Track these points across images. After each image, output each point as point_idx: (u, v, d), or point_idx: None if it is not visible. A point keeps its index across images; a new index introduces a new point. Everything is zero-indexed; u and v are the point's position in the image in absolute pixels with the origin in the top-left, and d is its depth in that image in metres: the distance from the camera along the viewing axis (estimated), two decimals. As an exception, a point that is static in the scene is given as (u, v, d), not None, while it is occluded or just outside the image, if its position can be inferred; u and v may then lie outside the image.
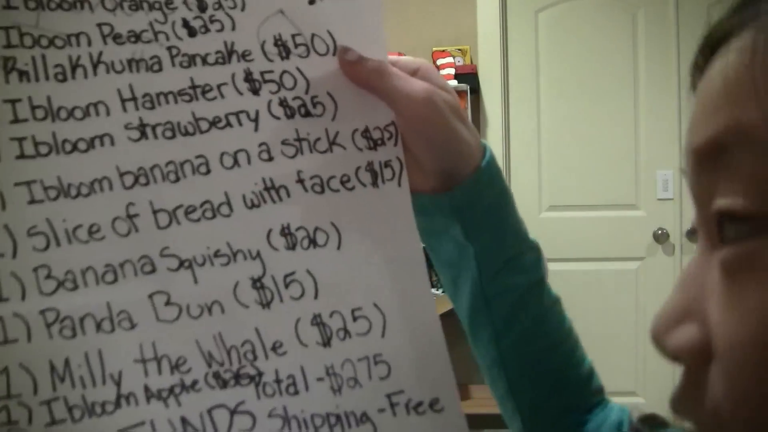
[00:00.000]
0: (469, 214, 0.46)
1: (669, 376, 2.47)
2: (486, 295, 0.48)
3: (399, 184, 0.43)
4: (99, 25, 0.41)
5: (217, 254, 0.41)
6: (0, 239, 0.39)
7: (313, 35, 0.43)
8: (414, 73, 0.45)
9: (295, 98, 0.43)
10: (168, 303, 0.40)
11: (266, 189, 0.42)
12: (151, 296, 0.40)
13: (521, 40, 2.53)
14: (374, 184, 0.43)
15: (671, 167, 2.50)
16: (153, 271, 0.40)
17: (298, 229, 0.42)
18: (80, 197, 0.40)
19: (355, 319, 0.42)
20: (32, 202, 0.40)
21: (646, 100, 2.50)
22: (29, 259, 0.39)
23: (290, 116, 0.43)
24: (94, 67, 0.41)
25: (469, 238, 0.47)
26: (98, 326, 0.40)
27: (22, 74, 0.40)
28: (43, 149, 0.40)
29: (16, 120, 0.40)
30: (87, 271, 0.40)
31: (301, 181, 0.42)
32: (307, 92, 0.43)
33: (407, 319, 0.43)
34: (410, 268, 0.43)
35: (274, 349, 0.41)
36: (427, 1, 2.54)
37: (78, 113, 0.40)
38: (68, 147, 0.40)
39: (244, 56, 0.42)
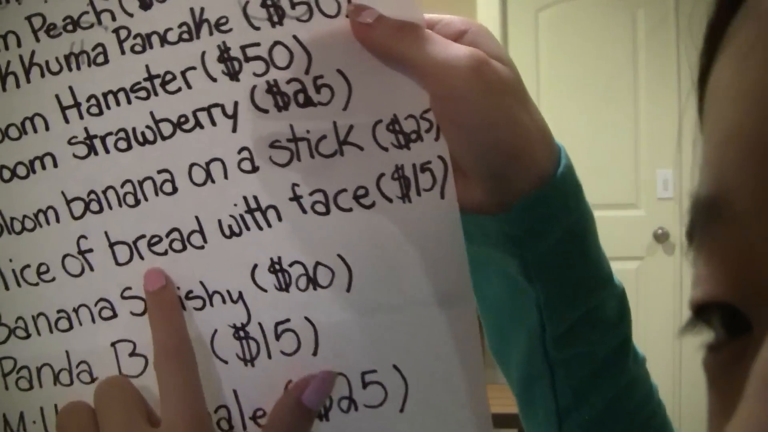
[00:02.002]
0: (533, 246, 0.32)
1: (668, 374, 2.45)
2: (550, 359, 0.35)
3: (442, 195, 0.31)
4: (28, 18, 0.33)
5: (189, 296, 0.33)
6: None
7: None
8: (459, 36, 0.32)
9: (290, 81, 0.31)
10: (133, 353, 0.34)
11: (249, 211, 0.32)
12: (113, 345, 0.34)
13: (521, 39, 2.51)
14: (405, 197, 0.31)
15: (671, 167, 2.48)
16: (114, 316, 0.34)
17: (292, 264, 0.32)
18: (25, 232, 0.34)
19: (365, 385, 0.32)
20: None
21: (646, 100, 2.47)
22: None
23: (283, 107, 0.31)
24: (26, 72, 0.34)
25: (532, 280, 0.33)
26: (56, 378, 0.34)
27: None
28: None
29: None
30: (38, 317, 0.34)
31: (297, 198, 0.32)
32: (308, 71, 0.31)
33: (440, 389, 0.32)
34: (453, 318, 0.32)
35: (254, 418, 0.33)
36: (428, 1, 2.53)
37: (13, 132, 0.34)
38: (6, 174, 0.34)
39: (218, 26, 0.32)
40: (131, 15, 0.33)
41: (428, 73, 0.30)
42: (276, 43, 0.31)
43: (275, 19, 0.31)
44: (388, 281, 0.32)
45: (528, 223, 0.32)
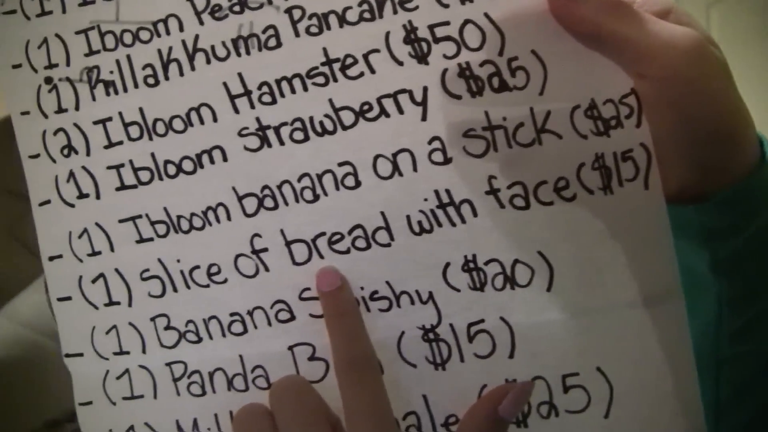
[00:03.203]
0: (730, 238, 0.31)
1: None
2: (719, 355, 0.34)
3: (646, 186, 0.29)
4: (191, 0, 0.31)
5: (374, 296, 0.31)
6: (114, 286, 0.33)
7: None
8: (664, 15, 0.30)
9: (483, 63, 0.29)
10: (313, 357, 0.32)
11: (441, 206, 0.30)
12: (291, 348, 0.32)
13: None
14: (606, 188, 0.30)
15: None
16: (292, 318, 0.32)
17: (488, 262, 0.30)
18: (194, 231, 0.32)
19: (566, 389, 0.30)
20: (140, 241, 0.33)
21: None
22: (146, 308, 0.33)
23: (477, 92, 0.29)
24: (190, 58, 0.32)
25: (719, 273, 0.32)
26: (230, 383, 0.33)
27: (109, 85, 0.32)
28: (144, 176, 0.32)
29: (110, 144, 0.33)
30: (210, 320, 0.33)
31: (494, 191, 0.30)
32: (501, 53, 0.29)
33: (649, 394, 0.30)
34: (662, 317, 0.30)
35: (446, 425, 0.31)
36: None
37: (178, 124, 0.32)
38: (172, 170, 0.32)
39: (402, 4, 0.30)
40: None
41: (648, 53, 0.28)
42: (466, 21, 0.29)
43: None
44: (591, 279, 0.30)
45: (732, 214, 0.30)
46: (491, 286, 0.30)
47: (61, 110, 0.33)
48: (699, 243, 0.31)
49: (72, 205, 0.34)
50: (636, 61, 0.28)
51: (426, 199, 0.30)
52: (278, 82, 0.31)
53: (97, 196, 0.33)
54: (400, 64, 0.30)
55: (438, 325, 0.31)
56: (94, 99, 0.33)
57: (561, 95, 0.29)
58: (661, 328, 0.30)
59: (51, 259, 0.34)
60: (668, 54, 0.28)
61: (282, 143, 0.31)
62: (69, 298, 0.34)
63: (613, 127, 0.29)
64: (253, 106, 0.31)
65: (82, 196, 0.33)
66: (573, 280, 0.30)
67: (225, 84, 0.31)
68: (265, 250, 0.32)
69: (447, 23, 0.29)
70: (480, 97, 0.29)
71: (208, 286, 0.32)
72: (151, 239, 0.33)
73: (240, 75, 0.31)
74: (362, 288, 0.31)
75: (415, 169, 0.30)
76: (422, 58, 0.30)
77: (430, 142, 0.30)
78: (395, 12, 0.30)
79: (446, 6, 0.29)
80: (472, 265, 0.30)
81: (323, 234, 0.31)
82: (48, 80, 0.33)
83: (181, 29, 0.32)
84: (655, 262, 0.29)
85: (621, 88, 0.29)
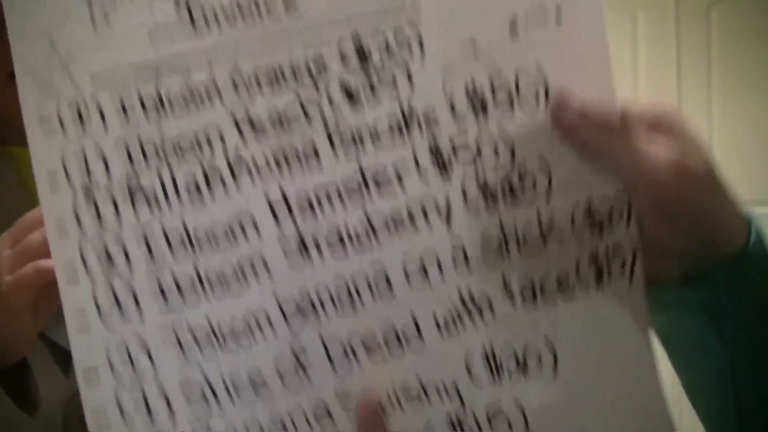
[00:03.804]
0: (730, 311, 0.34)
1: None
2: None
3: (630, 283, 0.33)
4: (231, 113, 0.33)
5: (405, 392, 0.33)
6: (158, 401, 0.34)
7: (517, 76, 0.33)
8: (655, 124, 0.33)
9: (497, 168, 0.33)
10: None
11: (464, 305, 0.33)
12: None
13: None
14: (597, 283, 0.33)
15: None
16: (328, 415, 0.34)
17: (504, 354, 0.34)
18: (235, 340, 0.34)
19: None
20: (183, 353, 0.34)
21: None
22: (189, 420, 0.34)
23: (491, 197, 0.33)
24: (232, 171, 0.33)
25: (726, 341, 0.34)
26: None
27: (150, 198, 0.33)
28: (188, 289, 0.33)
29: (152, 257, 0.34)
30: (251, 425, 0.34)
31: (508, 291, 0.33)
32: (513, 159, 0.33)
33: None
34: (639, 402, 0.34)
35: None
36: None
37: (220, 236, 0.33)
38: (214, 281, 0.33)
39: (426, 120, 0.33)
40: (340, 110, 0.33)
41: (630, 172, 0.32)
42: (482, 135, 0.33)
43: (479, 111, 0.33)
44: (586, 366, 0.34)
45: (726, 290, 0.33)
46: (506, 372, 0.34)
47: (100, 223, 0.34)
48: (701, 317, 0.35)
49: (110, 325, 0.34)
50: (620, 177, 0.33)
51: (452, 302, 0.33)
52: (317, 194, 0.33)
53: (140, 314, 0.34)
54: (427, 178, 0.33)
55: (462, 413, 0.34)
56: (135, 211, 0.33)
57: (563, 196, 0.33)
58: (636, 412, 0.34)
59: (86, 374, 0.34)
60: (652, 178, 0.32)
61: (321, 253, 0.33)
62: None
63: (605, 226, 0.33)
64: (293, 218, 0.33)
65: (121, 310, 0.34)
66: (574, 366, 0.34)
67: (267, 196, 0.33)
68: (303, 350, 0.33)
69: (465, 137, 0.33)
70: (495, 206, 0.33)
71: (250, 392, 0.34)
72: (191, 349, 0.34)
73: (281, 188, 0.33)
74: (393, 383, 0.33)
75: (441, 273, 0.33)
76: (445, 173, 0.33)
77: (454, 249, 0.33)
78: (421, 128, 0.33)
79: (463, 121, 0.33)
80: (491, 355, 0.34)
81: (359, 338, 0.33)
82: (87, 191, 0.32)
83: (223, 141, 0.33)
84: (632, 355, 0.34)
85: (615, 187, 0.33)
